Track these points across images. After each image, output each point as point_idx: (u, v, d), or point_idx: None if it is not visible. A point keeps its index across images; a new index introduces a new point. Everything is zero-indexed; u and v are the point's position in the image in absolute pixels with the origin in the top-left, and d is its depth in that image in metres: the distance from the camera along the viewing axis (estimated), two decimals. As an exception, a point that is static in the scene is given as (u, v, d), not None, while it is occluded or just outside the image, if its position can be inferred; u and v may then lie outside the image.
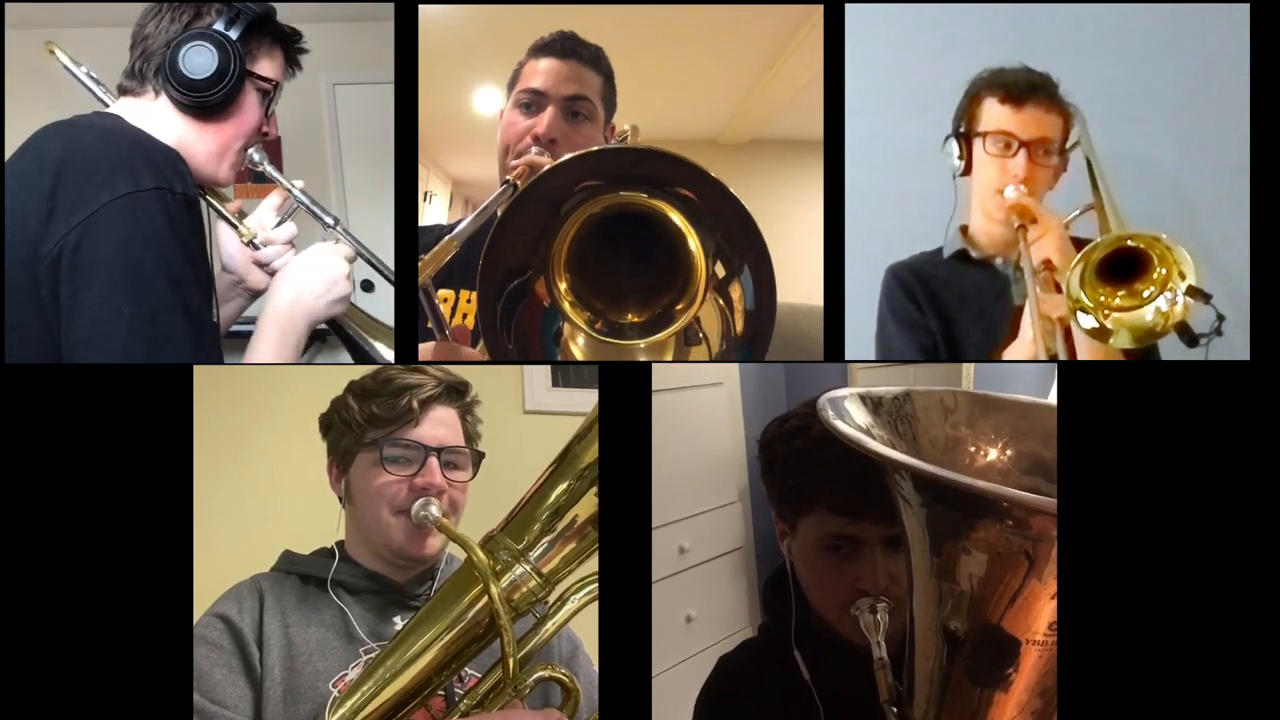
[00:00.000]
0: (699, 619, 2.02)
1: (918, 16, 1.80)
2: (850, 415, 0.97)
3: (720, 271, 1.04)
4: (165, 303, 1.08)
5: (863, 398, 1.01)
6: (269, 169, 1.34)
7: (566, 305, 1.08)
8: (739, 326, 1.04)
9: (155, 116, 1.20)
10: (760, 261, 1.01)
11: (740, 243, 1.01)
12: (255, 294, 1.36)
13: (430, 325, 1.15)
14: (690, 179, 1.01)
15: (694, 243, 1.04)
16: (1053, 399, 1.56)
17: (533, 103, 1.48)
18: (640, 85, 1.67)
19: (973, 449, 1.05)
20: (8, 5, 1.45)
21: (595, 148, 1.08)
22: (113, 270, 1.06)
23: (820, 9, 1.54)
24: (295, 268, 1.27)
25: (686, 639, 1.96)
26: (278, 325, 1.22)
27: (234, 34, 1.19)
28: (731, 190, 0.99)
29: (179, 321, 1.09)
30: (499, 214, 1.06)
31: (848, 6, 1.54)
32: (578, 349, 1.10)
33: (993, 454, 1.05)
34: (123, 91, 1.23)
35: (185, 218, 1.12)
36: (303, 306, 1.23)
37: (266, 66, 1.25)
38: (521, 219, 1.03)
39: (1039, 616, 0.81)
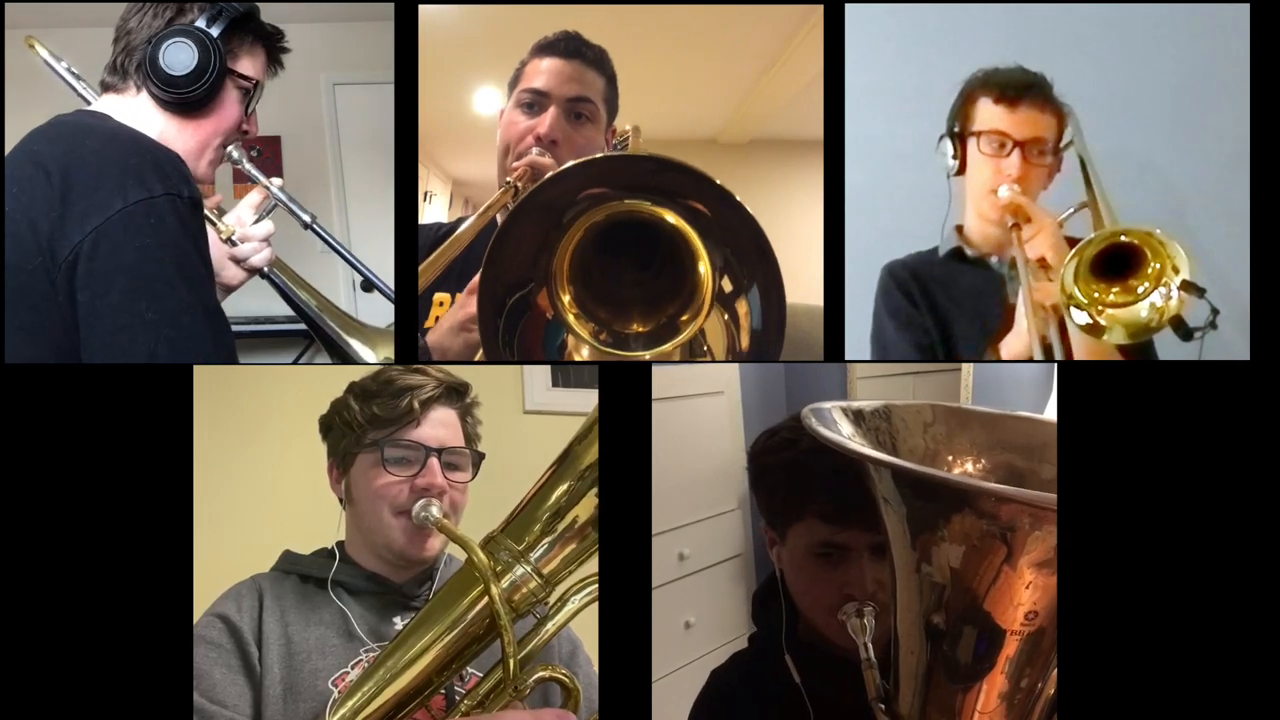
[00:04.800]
0: (698, 625, 2.02)
1: (918, 16, 1.80)
2: (835, 424, 1.00)
3: (727, 286, 1.03)
4: (186, 303, 1.11)
5: (845, 410, 1.04)
6: (248, 166, 1.37)
7: (571, 318, 1.07)
8: (744, 343, 1.03)
9: (137, 112, 1.21)
10: (770, 282, 0.99)
11: (751, 259, 1.00)
12: (229, 290, 1.37)
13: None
14: (695, 185, 1.00)
15: (699, 249, 1.03)
16: (1050, 407, 1.56)
17: (535, 102, 1.48)
18: (640, 85, 1.67)
19: (950, 458, 1.08)
20: (7, 5, 1.45)
21: (599, 155, 1.06)
22: (134, 276, 1.08)
23: (820, 9, 1.55)
24: None
25: (686, 645, 1.96)
26: None
27: (215, 31, 1.20)
28: (739, 198, 0.97)
29: (200, 320, 1.12)
30: (498, 226, 1.05)
31: (848, 6, 1.54)
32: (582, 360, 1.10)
33: (969, 464, 1.09)
34: (105, 88, 1.24)
35: (194, 219, 1.14)
36: None
37: (248, 65, 1.26)
38: (522, 230, 1.02)
39: (1017, 606, 0.83)
